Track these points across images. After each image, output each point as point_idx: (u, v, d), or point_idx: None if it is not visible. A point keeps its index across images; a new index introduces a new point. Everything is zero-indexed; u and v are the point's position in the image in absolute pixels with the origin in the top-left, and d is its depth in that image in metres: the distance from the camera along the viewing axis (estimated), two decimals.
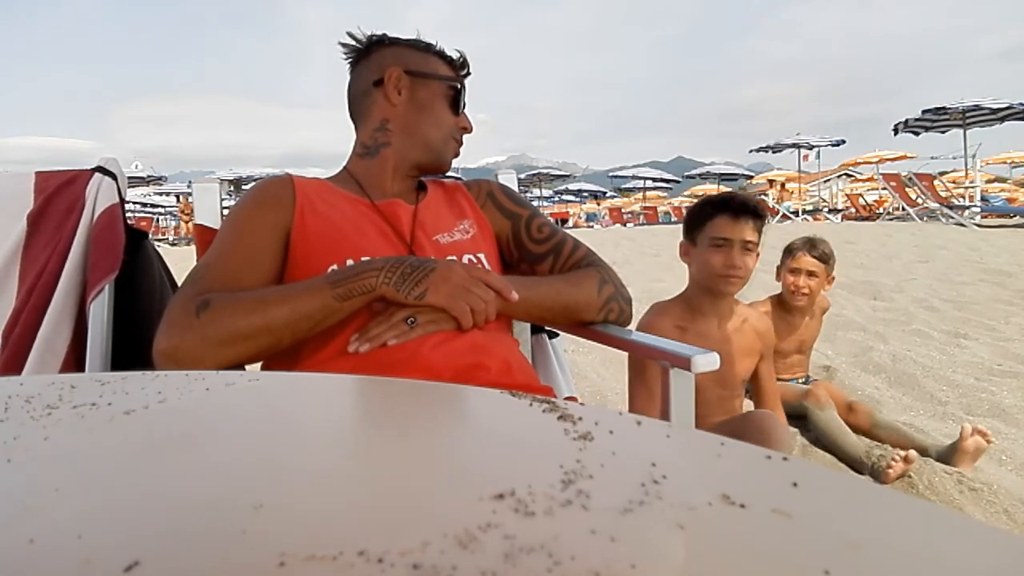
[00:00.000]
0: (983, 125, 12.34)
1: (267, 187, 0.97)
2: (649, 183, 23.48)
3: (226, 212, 1.07)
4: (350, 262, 0.88)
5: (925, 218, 10.19)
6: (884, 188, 11.88)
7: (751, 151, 18.23)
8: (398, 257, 0.86)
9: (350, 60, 1.07)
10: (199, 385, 0.47)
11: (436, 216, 1.03)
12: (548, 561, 0.22)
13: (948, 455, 1.83)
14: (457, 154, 1.08)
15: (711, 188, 24.81)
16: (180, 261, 1.55)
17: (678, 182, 26.76)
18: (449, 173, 1.15)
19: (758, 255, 1.54)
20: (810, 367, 2.46)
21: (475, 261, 0.98)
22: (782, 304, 2.32)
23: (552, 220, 1.13)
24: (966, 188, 11.53)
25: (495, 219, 1.09)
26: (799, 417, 2.10)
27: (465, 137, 1.09)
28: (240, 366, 0.82)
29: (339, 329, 0.85)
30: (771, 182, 20.70)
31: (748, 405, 1.80)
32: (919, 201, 10.68)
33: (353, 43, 1.06)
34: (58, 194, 1.15)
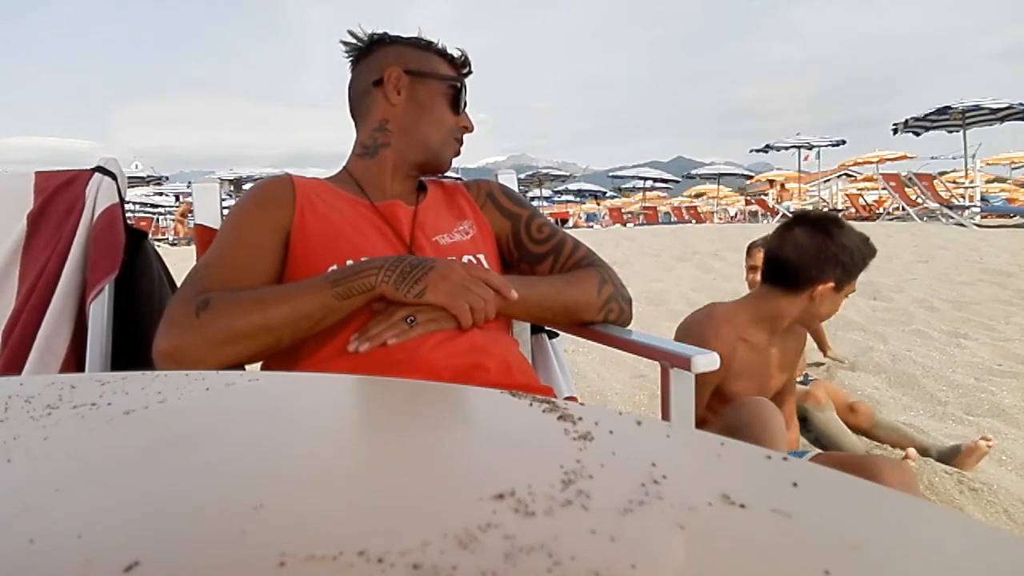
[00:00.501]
0: (983, 125, 12.34)
1: (267, 187, 0.97)
2: (649, 183, 23.48)
3: (226, 212, 1.07)
4: (350, 263, 0.88)
5: (925, 218, 10.19)
6: (884, 188, 11.88)
7: (751, 151, 18.24)
8: (397, 256, 0.86)
9: (351, 59, 1.07)
10: (199, 385, 0.47)
11: (436, 217, 1.03)
12: (548, 561, 0.22)
13: (949, 458, 1.83)
14: (458, 153, 1.08)
15: (711, 188, 24.81)
16: (180, 261, 1.55)
17: (678, 182, 26.75)
18: (449, 173, 1.14)
19: None
20: (810, 368, 2.46)
21: (475, 262, 0.97)
22: None
23: (552, 220, 1.13)
24: (966, 188, 11.52)
25: (495, 219, 1.08)
26: (799, 418, 2.10)
27: (465, 137, 1.09)
28: (240, 366, 0.82)
29: (339, 329, 0.85)
30: (771, 182, 20.71)
31: None
32: (919, 201, 10.68)
33: (354, 41, 1.06)
34: (58, 194, 1.15)
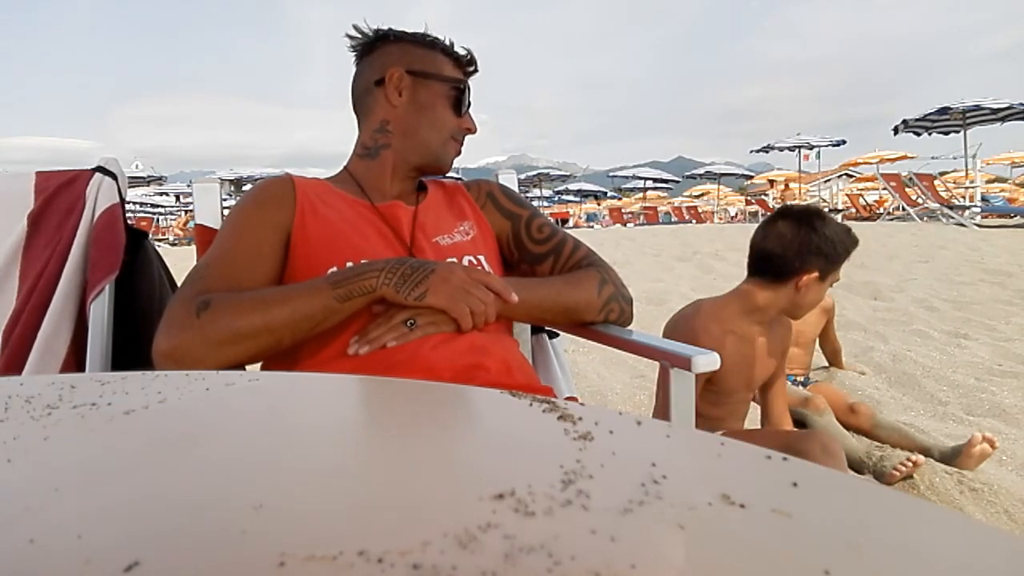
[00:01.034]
0: (983, 125, 12.33)
1: (268, 187, 0.97)
2: (649, 183, 23.49)
3: (226, 212, 1.07)
4: (350, 264, 0.88)
5: (925, 218, 10.18)
6: (884, 188, 11.88)
7: (751, 151, 18.23)
8: (399, 258, 0.86)
9: (355, 54, 1.06)
10: (199, 385, 0.47)
11: (436, 218, 1.02)
12: (548, 561, 0.22)
13: (951, 458, 1.83)
14: (458, 153, 1.08)
15: (711, 187, 24.80)
16: (180, 261, 1.55)
17: (678, 182, 26.76)
18: (449, 173, 1.14)
19: None
20: (810, 365, 2.46)
21: (475, 263, 0.97)
22: None
23: (552, 220, 1.13)
24: (966, 188, 11.52)
25: (495, 220, 1.08)
26: (798, 423, 2.10)
27: (466, 137, 1.08)
28: (240, 366, 0.82)
29: (339, 331, 0.85)
30: (771, 182, 20.71)
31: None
32: (919, 201, 10.68)
33: (359, 36, 1.05)
34: (58, 194, 1.15)
